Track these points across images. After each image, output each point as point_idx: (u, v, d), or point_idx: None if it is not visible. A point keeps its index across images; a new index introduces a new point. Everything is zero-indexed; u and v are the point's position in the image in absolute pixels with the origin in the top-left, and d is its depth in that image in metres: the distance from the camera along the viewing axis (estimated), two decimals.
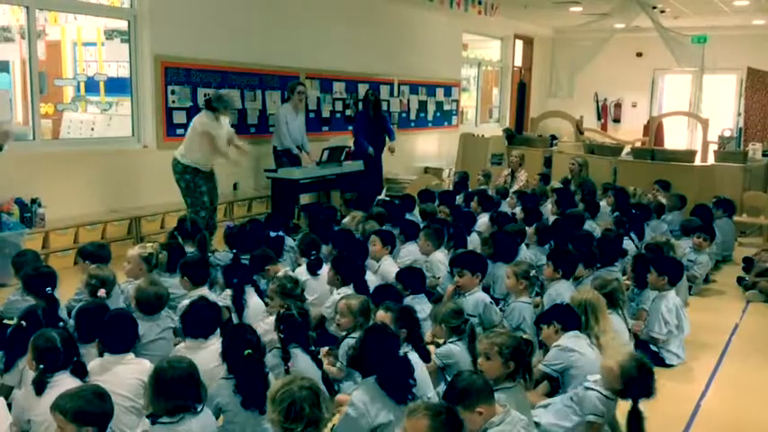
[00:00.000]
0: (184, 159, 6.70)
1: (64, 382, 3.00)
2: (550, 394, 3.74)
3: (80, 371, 3.15)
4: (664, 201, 7.96)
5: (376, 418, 3.01)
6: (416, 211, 7.27)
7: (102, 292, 4.14)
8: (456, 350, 3.73)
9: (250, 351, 3.12)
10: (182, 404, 2.83)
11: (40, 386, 3.00)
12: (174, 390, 2.82)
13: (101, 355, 3.46)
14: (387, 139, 9.49)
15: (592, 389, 3.20)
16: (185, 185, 6.76)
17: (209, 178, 6.88)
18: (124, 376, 3.26)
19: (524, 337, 3.36)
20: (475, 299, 4.55)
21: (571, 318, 3.82)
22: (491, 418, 2.77)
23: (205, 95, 8.20)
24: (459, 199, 8.12)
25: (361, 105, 10.28)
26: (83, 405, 2.62)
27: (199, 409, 2.89)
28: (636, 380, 3.08)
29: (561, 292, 4.67)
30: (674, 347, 4.69)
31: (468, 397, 2.76)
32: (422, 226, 6.14)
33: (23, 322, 3.47)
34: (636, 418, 3.05)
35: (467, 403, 2.74)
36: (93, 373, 3.28)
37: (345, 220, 6.82)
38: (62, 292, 4.53)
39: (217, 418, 3.14)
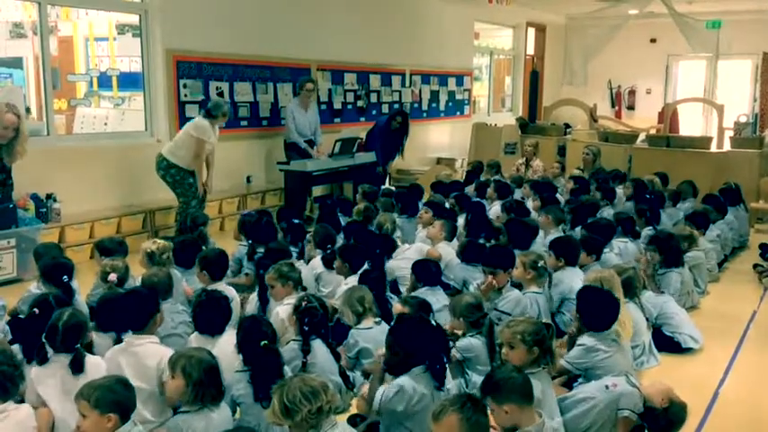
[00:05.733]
0: (172, 158, 6.83)
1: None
2: (569, 383, 3.72)
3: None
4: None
5: (416, 405, 3.00)
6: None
7: (112, 277, 4.19)
8: (476, 344, 3.72)
9: (266, 342, 3.13)
10: (210, 395, 2.88)
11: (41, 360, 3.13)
12: (207, 378, 2.88)
13: (118, 341, 3.51)
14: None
15: (636, 386, 3.20)
16: (172, 180, 6.88)
17: (192, 174, 6.97)
18: (143, 364, 3.28)
19: (543, 321, 3.35)
20: (515, 298, 4.45)
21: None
22: (525, 426, 2.74)
23: (217, 89, 8.26)
24: (470, 189, 8.06)
25: (374, 96, 10.27)
26: (105, 391, 2.66)
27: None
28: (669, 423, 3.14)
29: (564, 279, 4.67)
30: (687, 329, 4.66)
31: (498, 391, 2.76)
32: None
33: (36, 310, 3.48)
34: None
35: (496, 397, 2.75)
36: (112, 359, 3.31)
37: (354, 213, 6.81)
38: (78, 287, 4.56)
39: (233, 411, 3.16)
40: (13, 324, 3.88)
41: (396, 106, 11.10)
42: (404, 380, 3.04)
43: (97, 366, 3.18)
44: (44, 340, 3.16)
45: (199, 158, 6.80)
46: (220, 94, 8.31)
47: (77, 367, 3.11)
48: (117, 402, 2.66)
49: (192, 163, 6.86)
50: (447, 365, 3.20)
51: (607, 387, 3.22)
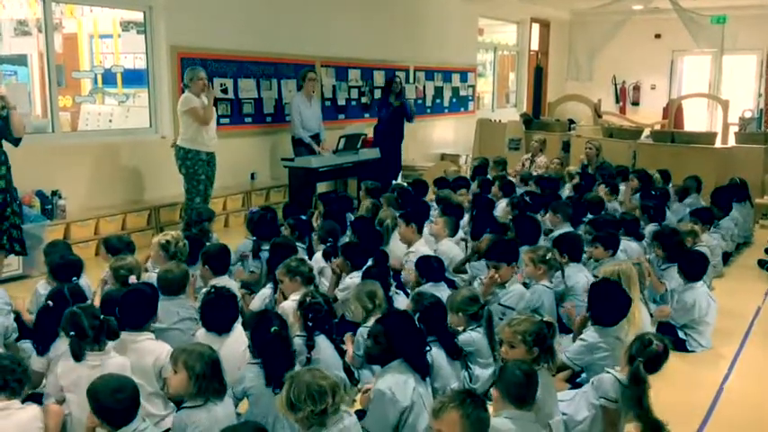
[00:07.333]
0: (185, 144, 6.85)
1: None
2: (572, 379, 3.73)
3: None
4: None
5: (404, 401, 3.01)
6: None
7: (133, 279, 4.16)
8: (477, 337, 3.71)
9: (276, 328, 3.13)
10: (212, 388, 2.89)
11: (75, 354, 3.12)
12: (210, 371, 2.88)
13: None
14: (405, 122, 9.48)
15: (610, 372, 3.18)
16: (186, 172, 6.90)
17: (209, 163, 6.98)
18: (142, 361, 3.28)
19: (545, 319, 3.33)
20: (518, 293, 4.44)
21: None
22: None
23: (221, 85, 8.26)
24: (474, 185, 8.05)
25: (378, 92, 10.25)
26: (92, 399, 2.67)
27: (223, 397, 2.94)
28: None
29: (570, 275, 4.66)
30: (702, 337, 4.63)
31: (508, 386, 2.77)
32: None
33: (50, 302, 3.48)
34: (636, 381, 3.02)
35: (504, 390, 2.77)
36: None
37: (361, 210, 6.81)
38: (90, 285, 4.57)
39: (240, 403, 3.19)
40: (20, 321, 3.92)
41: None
42: (383, 384, 3.06)
43: (123, 367, 3.16)
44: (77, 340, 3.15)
45: (203, 118, 6.80)
46: (224, 91, 8.32)
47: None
48: (104, 410, 2.66)
49: (206, 135, 6.86)
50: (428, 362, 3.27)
51: (593, 383, 3.24)
